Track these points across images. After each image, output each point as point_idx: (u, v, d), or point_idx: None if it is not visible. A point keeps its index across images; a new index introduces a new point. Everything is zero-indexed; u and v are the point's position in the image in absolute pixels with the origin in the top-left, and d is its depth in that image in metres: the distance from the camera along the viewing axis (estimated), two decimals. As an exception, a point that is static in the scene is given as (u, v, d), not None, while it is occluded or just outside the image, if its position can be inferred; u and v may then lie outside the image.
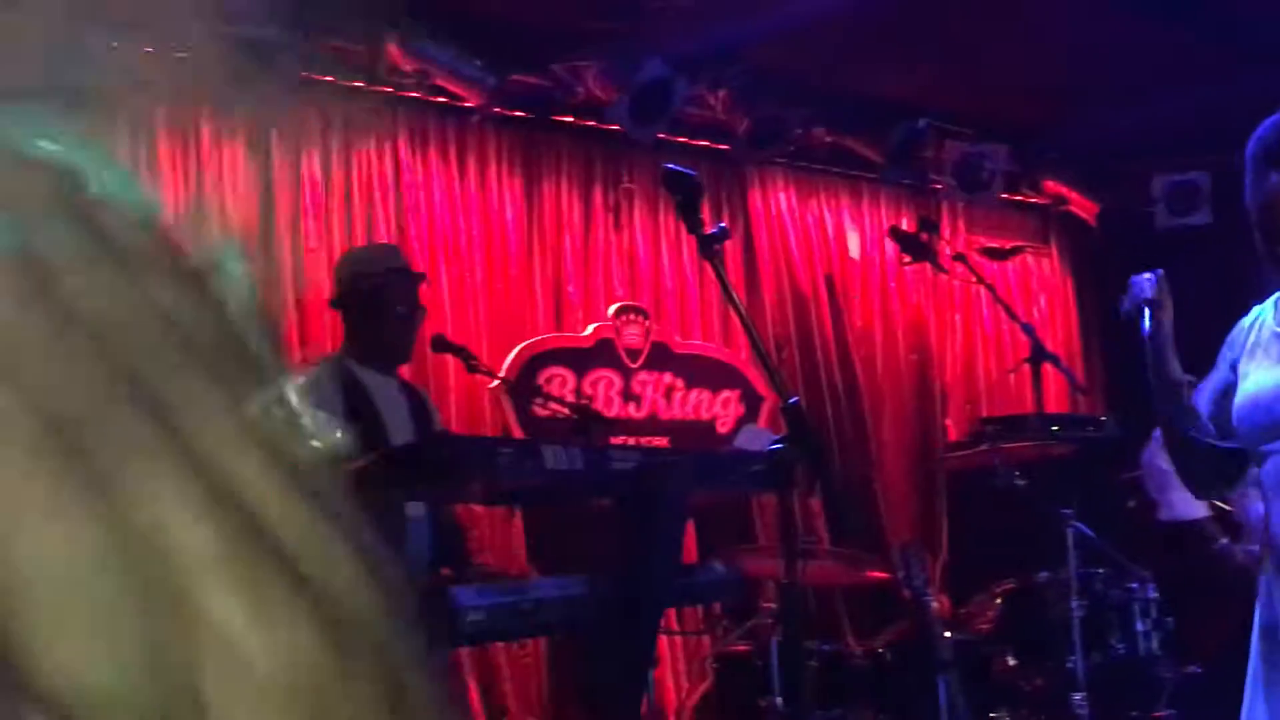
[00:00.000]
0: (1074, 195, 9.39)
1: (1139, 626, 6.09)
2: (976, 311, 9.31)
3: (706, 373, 8.09)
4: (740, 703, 5.96)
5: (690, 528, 7.31)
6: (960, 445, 8.06)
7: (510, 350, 7.39)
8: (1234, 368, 3.26)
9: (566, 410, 6.26)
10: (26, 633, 0.43)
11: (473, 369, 5.86)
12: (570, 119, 7.71)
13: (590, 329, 7.73)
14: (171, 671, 0.44)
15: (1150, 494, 5.64)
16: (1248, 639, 5.19)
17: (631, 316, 7.87)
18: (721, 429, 8.07)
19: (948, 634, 6.12)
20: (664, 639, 7.27)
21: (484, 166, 7.51)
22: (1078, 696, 5.71)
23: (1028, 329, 6.12)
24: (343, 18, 6.67)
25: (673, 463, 4.41)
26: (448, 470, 4.34)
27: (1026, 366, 6.28)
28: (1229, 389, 3.21)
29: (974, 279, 6.36)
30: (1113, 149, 9.05)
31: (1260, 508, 5.25)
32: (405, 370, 6.43)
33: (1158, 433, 5.53)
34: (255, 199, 6.74)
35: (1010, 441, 6.85)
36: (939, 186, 8.77)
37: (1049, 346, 9.17)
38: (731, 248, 8.37)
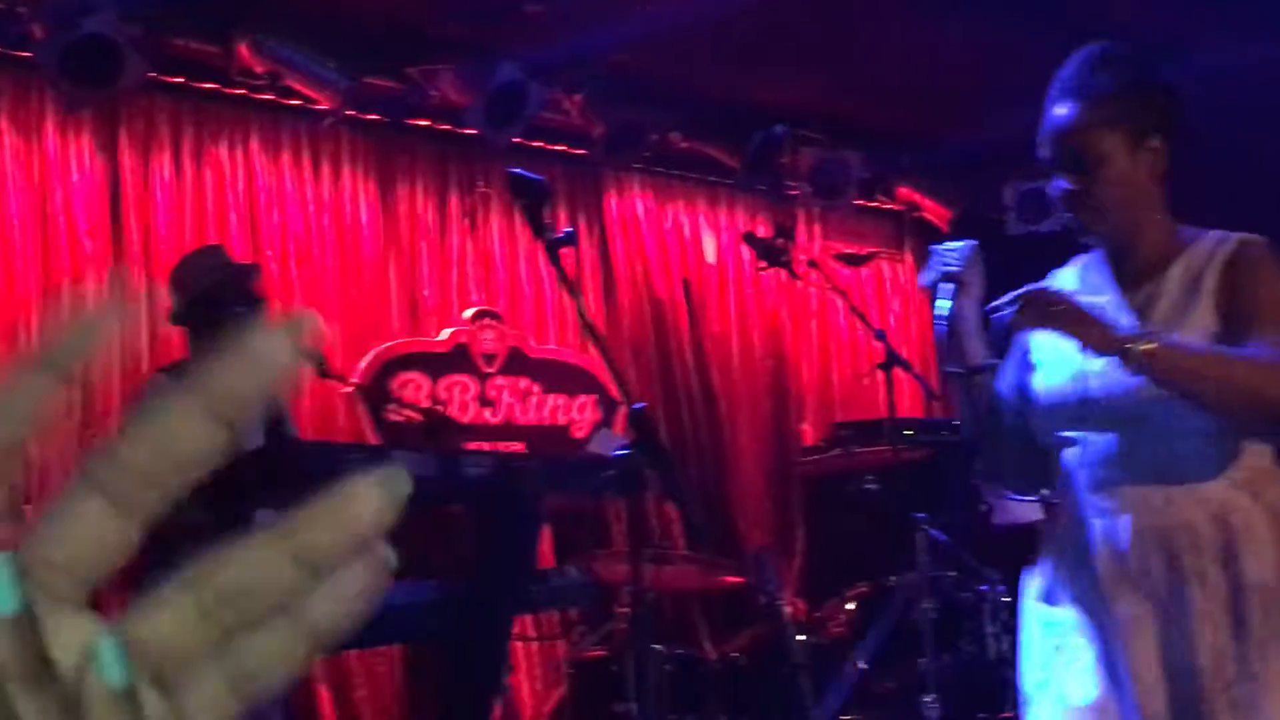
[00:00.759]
0: (927, 202, 9.48)
1: (988, 629, 6.15)
2: (832, 317, 9.37)
3: (563, 377, 8.07)
4: (595, 708, 5.94)
5: (546, 533, 7.29)
6: (815, 450, 8.10)
7: (364, 355, 7.32)
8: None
9: (419, 416, 6.22)
10: None
11: (324, 375, 5.79)
12: (425, 123, 7.66)
13: (446, 334, 7.68)
14: None
15: (987, 498, 5.70)
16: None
17: (488, 321, 7.83)
18: (578, 434, 8.05)
19: (801, 638, 6.16)
20: (519, 645, 7.25)
21: (338, 169, 7.44)
22: (928, 698, 5.75)
23: (880, 335, 6.17)
24: (194, 18, 6.59)
25: (525, 468, 4.39)
26: (295, 478, 4.29)
27: (881, 372, 6.32)
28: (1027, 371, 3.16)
29: (828, 286, 6.39)
30: (965, 156, 9.15)
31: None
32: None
33: None
34: (104, 199, 6.63)
35: (864, 446, 6.90)
36: (795, 193, 8.82)
37: (903, 351, 9.26)
38: (589, 253, 8.37)
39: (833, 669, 6.14)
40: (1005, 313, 2.94)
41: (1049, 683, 2.99)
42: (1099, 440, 2.95)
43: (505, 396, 7.87)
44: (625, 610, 6.02)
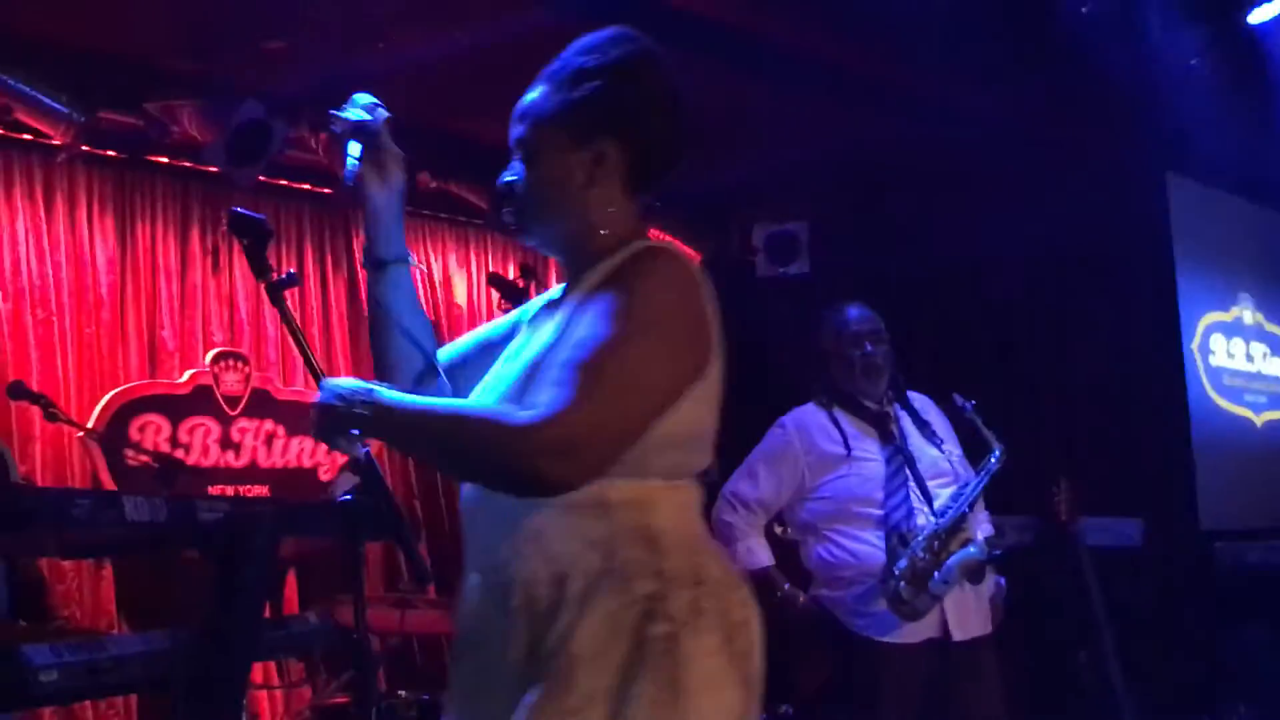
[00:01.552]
0: (677, 243, 9.53)
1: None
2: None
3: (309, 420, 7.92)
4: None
5: (292, 578, 7.16)
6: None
7: (101, 398, 7.11)
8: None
9: (153, 461, 6.06)
10: None
11: (52, 418, 5.62)
12: (166, 160, 7.48)
13: (186, 375, 7.50)
14: None
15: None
16: (833, 679, 5.33)
17: (231, 362, 7.66)
18: (324, 477, 7.93)
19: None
20: (263, 693, 7.09)
21: (74, 207, 7.22)
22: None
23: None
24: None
25: (259, 512, 4.28)
26: (18, 522, 4.13)
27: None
28: None
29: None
30: (715, 198, 9.24)
31: (819, 550, 5.41)
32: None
33: (726, 487, 5.63)
34: None
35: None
36: (544, 233, 8.81)
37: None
38: (338, 293, 8.26)
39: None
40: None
41: None
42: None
43: (249, 439, 7.70)
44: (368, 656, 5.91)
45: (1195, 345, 8.87)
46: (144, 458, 6.51)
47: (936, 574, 5.11)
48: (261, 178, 7.30)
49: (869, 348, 5.51)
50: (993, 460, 5.36)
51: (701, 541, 2.54)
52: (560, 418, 2.26)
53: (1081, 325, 8.63)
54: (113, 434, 6.99)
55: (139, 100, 6.79)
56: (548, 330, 2.56)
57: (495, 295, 6.98)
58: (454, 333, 8.68)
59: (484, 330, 2.93)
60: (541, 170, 2.68)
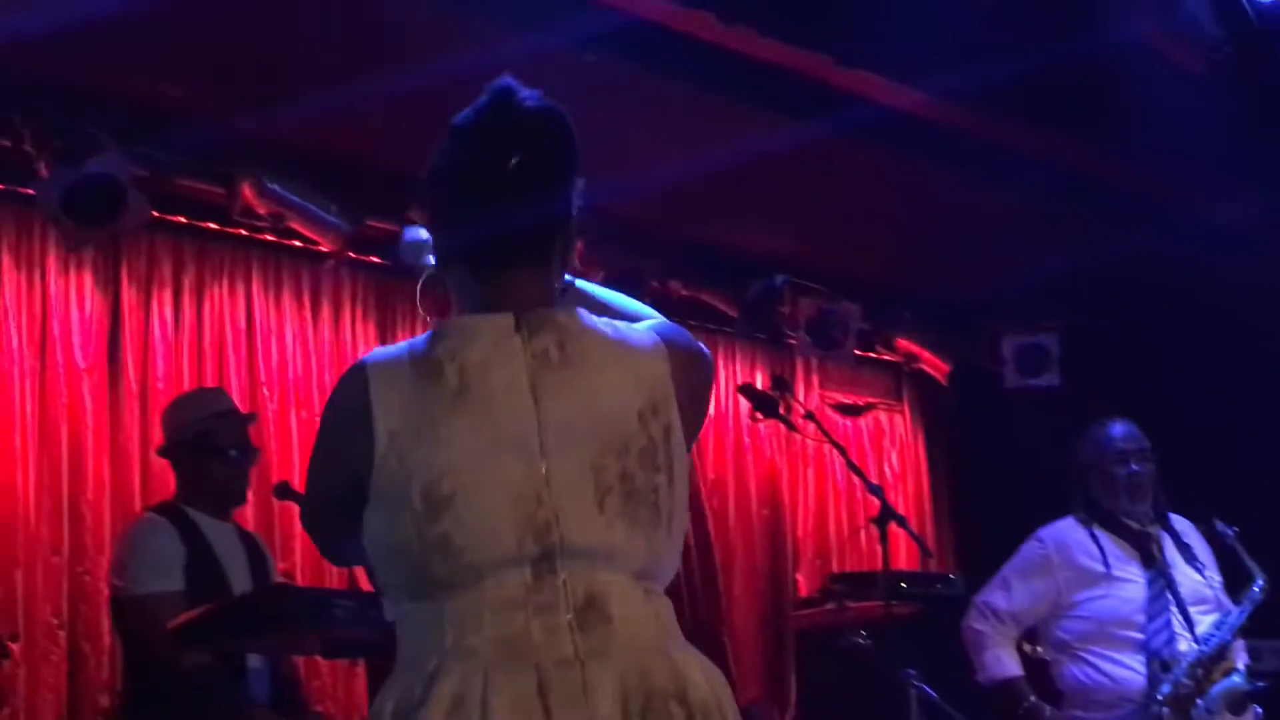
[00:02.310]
0: (925, 354, 9.51)
1: (978, 788, 6.08)
2: (829, 467, 9.35)
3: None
4: None
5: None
6: (810, 601, 8.04)
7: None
8: None
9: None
10: None
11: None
12: (427, 265, 7.67)
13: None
14: None
15: (970, 656, 5.67)
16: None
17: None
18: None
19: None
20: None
21: (338, 311, 7.44)
22: None
23: (876, 490, 6.15)
24: (198, 158, 6.63)
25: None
26: (283, 622, 4.27)
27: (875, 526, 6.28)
28: None
29: (825, 439, 6.39)
30: (963, 309, 9.19)
31: (1073, 671, 5.32)
32: (252, 517, 6.34)
33: (978, 597, 5.58)
34: (103, 336, 6.64)
35: (858, 599, 6.86)
36: (794, 342, 8.84)
37: (900, 502, 9.27)
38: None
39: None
40: None
41: None
42: None
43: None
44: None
45: None
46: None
47: (1200, 701, 5.00)
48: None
49: (1134, 466, 5.43)
50: (1255, 589, 5.24)
51: (412, 664, 2.34)
52: None
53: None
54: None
55: (403, 209, 7.01)
56: None
57: (745, 404, 7.07)
58: (703, 440, 8.74)
59: None
60: None
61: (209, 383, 6.78)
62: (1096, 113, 6.87)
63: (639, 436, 2.34)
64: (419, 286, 2.70)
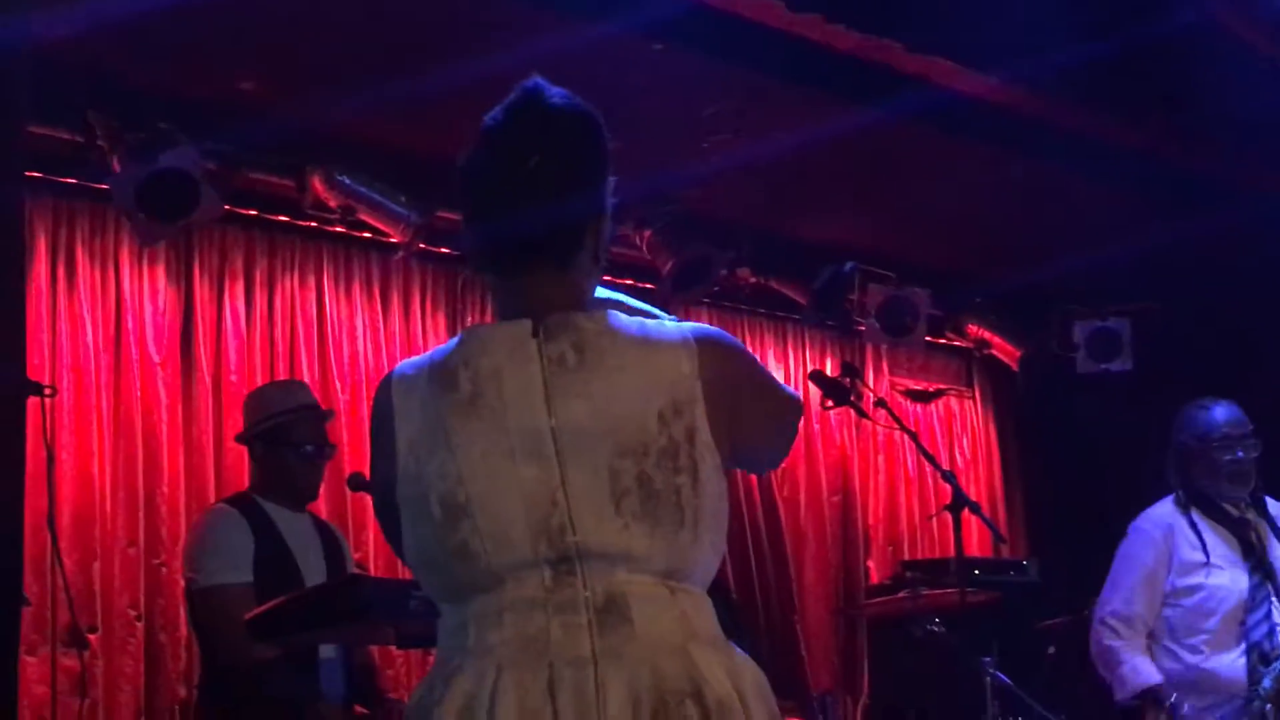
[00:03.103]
0: (996, 339, 9.45)
1: (1056, 776, 6.04)
2: (899, 453, 9.32)
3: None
4: None
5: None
6: (882, 589, 8.02)
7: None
8: None
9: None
10: None
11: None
12: (496, 257, 7.68)
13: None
14: None
15: (1102, 675, 5.53)
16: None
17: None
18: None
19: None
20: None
21: (408, 302, 7.47)
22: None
23: (949, 477, 6.10)
24: (269, 152, 6.67)
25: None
26: (358, 614, 4.28)
27: (948, 513, 6.24)
28: None
29: (896, 425, 6.36)
30: (1035, 294, 9.14)
31: (1170, 665, 5.25)
32: (325, 508, 6.37)
33: (1100, 611, 5.48)
34: (176, 329, 6.68)
35: (931, 587, 6.83)
36: (863, 329, 8.81)
37: (971, 488, 9.23)
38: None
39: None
40: None
41: None
42: None
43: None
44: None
45: None
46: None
47: None
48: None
49: (1240, 454, 5.33)
50: None
51: (441, 663, 2.41)
52: None
53: None
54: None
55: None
56: None
57: (817, 392, 7.05)
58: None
59: None
60: None
61: (280, 375, 6.82)
62: (1169, 96, 6.82)
63: (659, 438, 2.32)
64: None
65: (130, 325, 6.53)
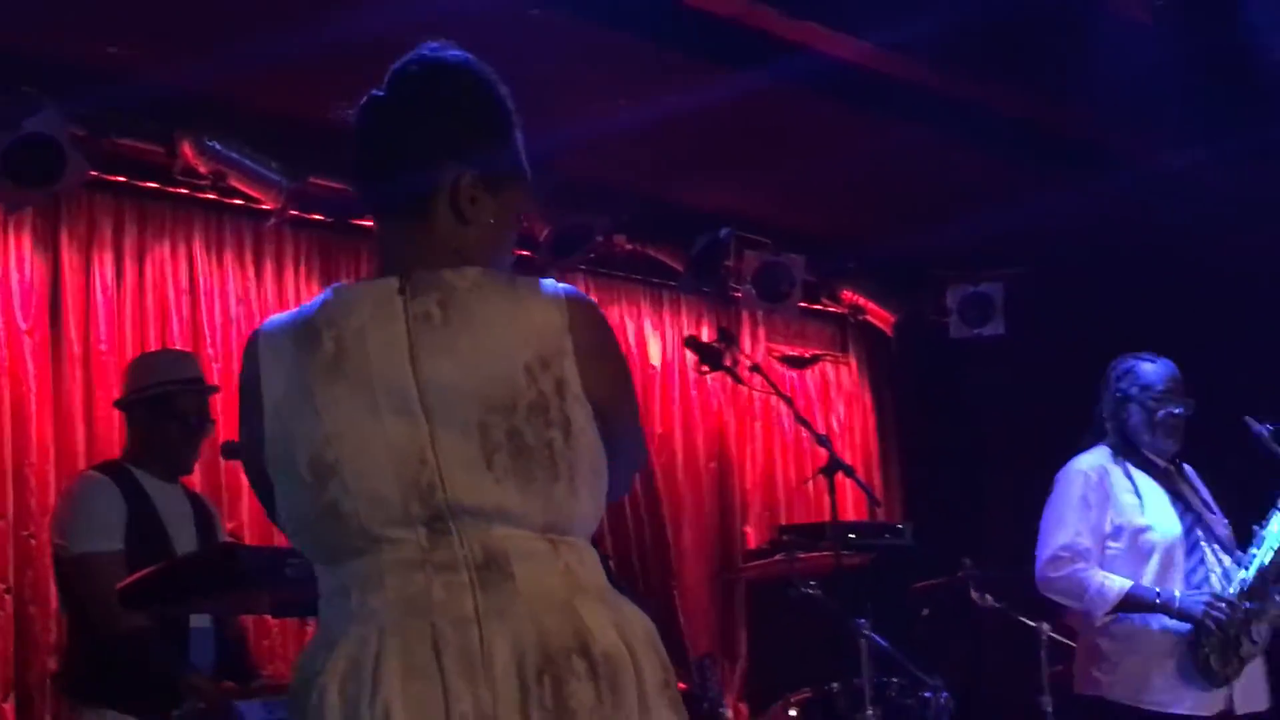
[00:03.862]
0: (870, 305, 9.53)
1: (931, 736, 6.11)
2: (776, 419, 9.37)
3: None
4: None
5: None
6: (759, 553, 8.06)
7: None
8: None
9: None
10: None
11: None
12: (369, 224, 7.61)
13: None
14: None
15: (1073, 605, 5.51)
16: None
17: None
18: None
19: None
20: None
21: (281, 269, 7.39)
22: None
23: (824, 442, 6.15)
24: (137, 117, 6.56)
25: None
26: (233, 582, 4.22)
27: (823, 476, 6.28)
28: None
29: (772, 391, 6.39)
30: (908, 260, 9.22)
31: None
32: (200, 478, 6.29)
33: (1046, 551, 5.45)
34: (44, 297, 6.57)
35: (807, 550, 6.88)
36: (739, 295, 8.84)
37: (847, 453, 9.29)
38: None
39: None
40: None
41: None
42: None
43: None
44: None
45: None
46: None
47: (1244, 638, 5.03)
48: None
49: (1179, 409, 5.41)
50: None
51: (324, 628, 2.38)
52: None
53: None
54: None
55: (344, 166, 6.96)
56: None
57: (693, 358, 7.06)
58: (649, 395, 8.74)
59: None
60: None
61: (152, 344, 6.73)
62: (1040, 62, 6.87)
63: (527, 392, 2.31)
64: None
65: (-4, 293, 6.42)
